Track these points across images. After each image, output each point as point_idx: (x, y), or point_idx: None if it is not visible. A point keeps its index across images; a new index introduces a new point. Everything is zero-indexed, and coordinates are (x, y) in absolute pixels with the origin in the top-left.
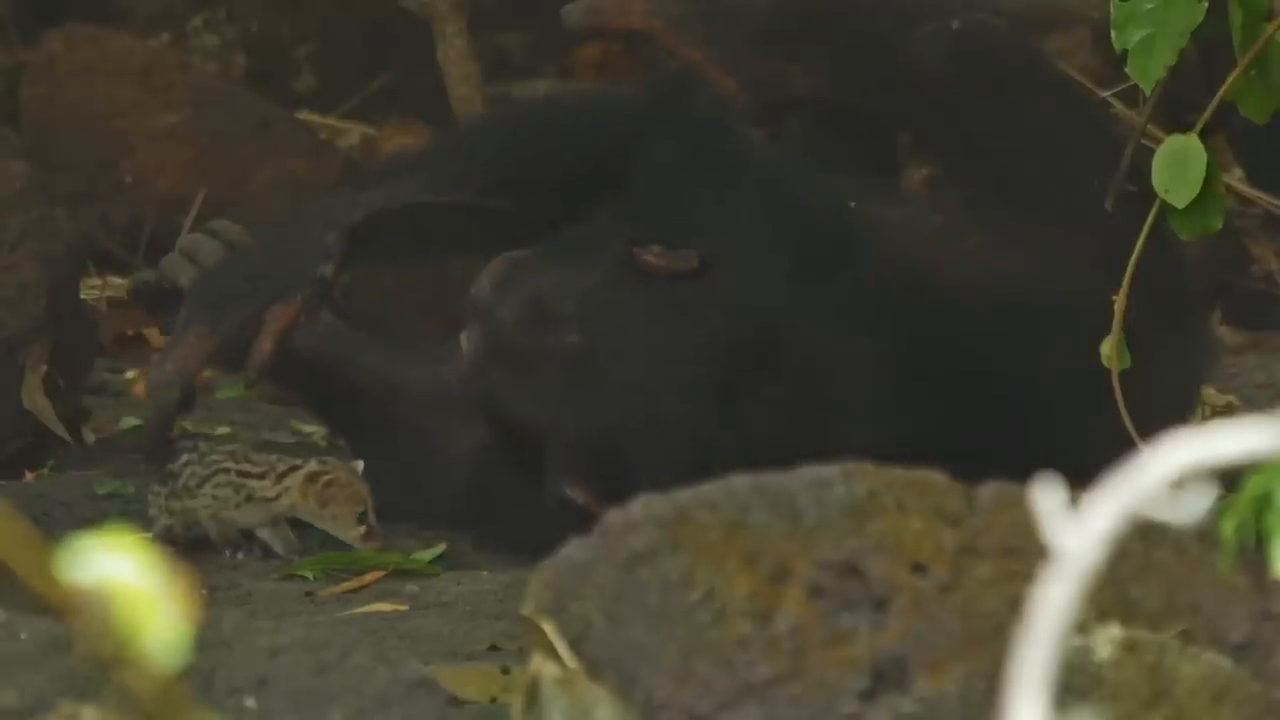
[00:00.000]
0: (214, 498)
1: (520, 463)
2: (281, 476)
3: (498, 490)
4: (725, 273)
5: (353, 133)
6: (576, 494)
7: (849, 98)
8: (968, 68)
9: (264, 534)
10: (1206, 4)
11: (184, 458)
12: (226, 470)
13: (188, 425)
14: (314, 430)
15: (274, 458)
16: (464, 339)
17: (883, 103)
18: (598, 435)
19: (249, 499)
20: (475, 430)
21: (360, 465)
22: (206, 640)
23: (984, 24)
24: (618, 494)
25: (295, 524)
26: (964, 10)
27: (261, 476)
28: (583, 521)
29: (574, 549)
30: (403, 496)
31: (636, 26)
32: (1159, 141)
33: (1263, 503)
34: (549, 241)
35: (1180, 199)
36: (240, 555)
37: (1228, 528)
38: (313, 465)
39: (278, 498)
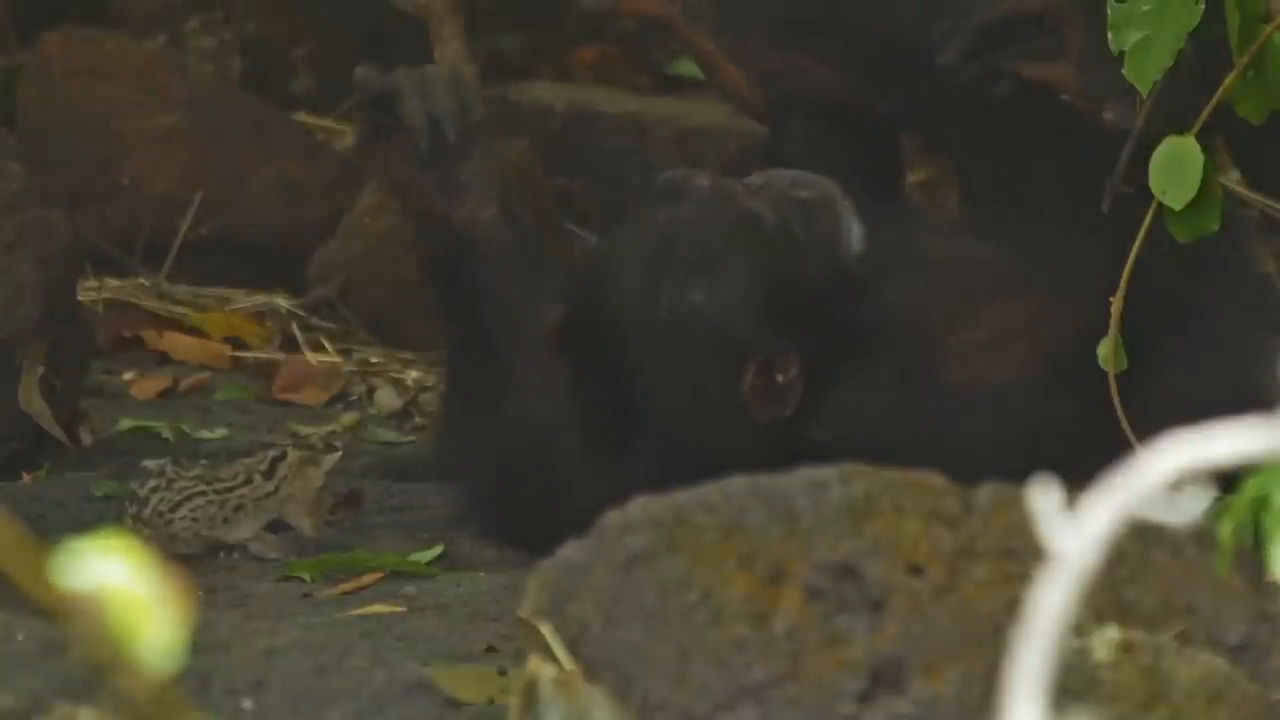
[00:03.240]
0: (194, 519)
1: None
2: (271, 470)
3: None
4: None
5: (349, 134)
6: (780, 371)
7: (865, 93)
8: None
9: (255, 548)
10: (1203, 6)
11: (150, 483)
12: (203, 492)
13: (185, 428)
14: (311, 431)
15: (238, 464)
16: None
17: (900, 98)
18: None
19: (238, 508)
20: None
21: (336, 456)
22: (203, 642)
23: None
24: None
25: (281, 525)
26: (983, 5)
27: (247, 481)
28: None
29: (571, 550)
30: (466, 452)
31: (650, 12)
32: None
33: (1260, 505)
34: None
35: (1178, 200)
36: (235, 555)
37: (1225, 529)
38: (296, 451)
39: (277, 490)
